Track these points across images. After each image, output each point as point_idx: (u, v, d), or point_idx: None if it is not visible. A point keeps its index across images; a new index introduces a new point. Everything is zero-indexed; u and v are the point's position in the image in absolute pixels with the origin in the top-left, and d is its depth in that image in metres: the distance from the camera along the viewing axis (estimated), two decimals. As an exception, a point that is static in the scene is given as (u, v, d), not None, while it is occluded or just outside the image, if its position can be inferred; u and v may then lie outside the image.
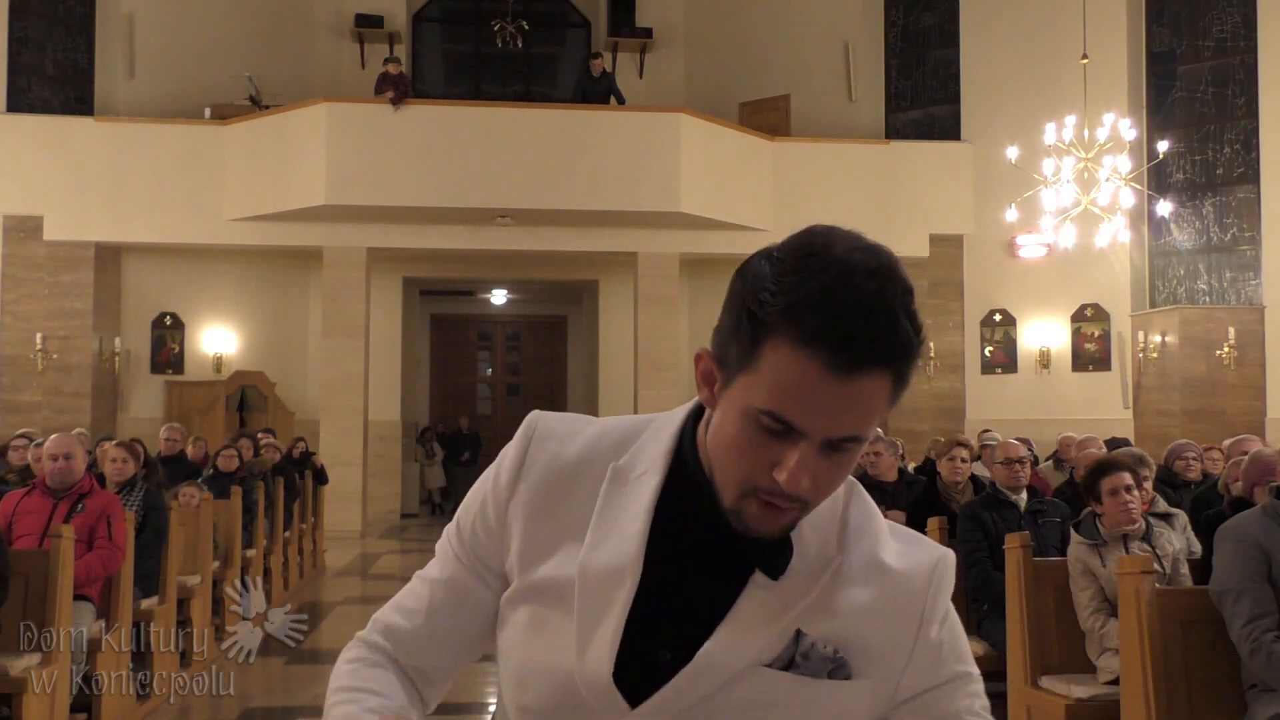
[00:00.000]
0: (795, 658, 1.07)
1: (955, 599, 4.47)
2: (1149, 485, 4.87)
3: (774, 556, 1.08)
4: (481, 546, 1.17)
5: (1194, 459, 6.77)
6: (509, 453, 1.17)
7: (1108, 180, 11.65)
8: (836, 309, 0.97)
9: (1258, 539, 3.41)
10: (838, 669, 1.08)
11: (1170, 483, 6.47)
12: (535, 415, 1.19)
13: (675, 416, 1.15)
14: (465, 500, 1.20)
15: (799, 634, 1.07)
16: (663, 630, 1.07)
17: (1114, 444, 7.71)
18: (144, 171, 13.43)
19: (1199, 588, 3.71)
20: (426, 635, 1.20)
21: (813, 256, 0.99)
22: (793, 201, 14.10)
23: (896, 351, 0.99)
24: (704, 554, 1.09)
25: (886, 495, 6.34)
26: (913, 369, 1.03)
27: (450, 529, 1.22)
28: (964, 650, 1.16)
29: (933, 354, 14.78)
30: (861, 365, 0.97)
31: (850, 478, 1.12)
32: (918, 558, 1.14)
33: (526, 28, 15.24)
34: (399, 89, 13.22)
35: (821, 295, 0.97)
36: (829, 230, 1.03)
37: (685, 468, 1.11)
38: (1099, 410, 13.46)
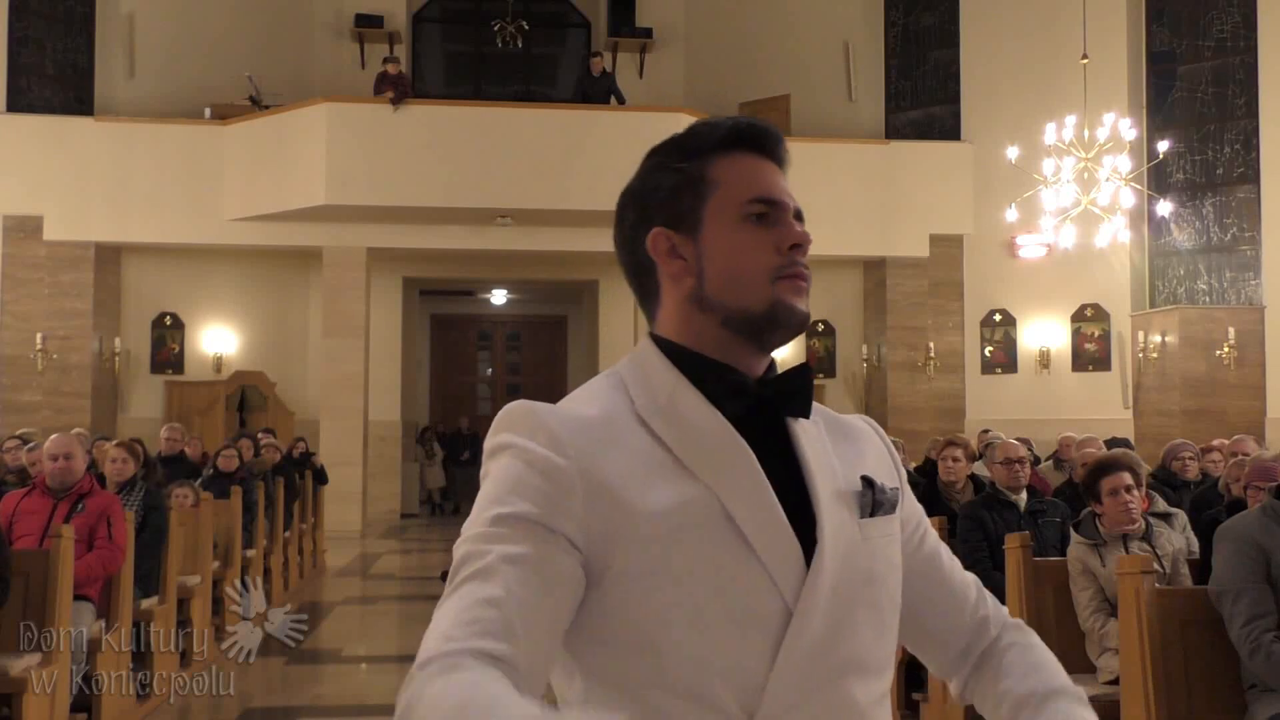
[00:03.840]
0: (876, 498, 1.17)
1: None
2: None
3: (800, 403, 1.18)
4: (552, 511, 1.04)
5: (1190, 459, 6.77)
6: (523, 429, 1.09)
7: (1108, 180, 11.65)
8: (739, 121, 1.25)
9: (1257, 539, 3.41)
10: (895, 503, 1.21)
11: (1169, 482, 6.48)
12: (509, 407, 1.13)
13: (634, 355, 1.20)
14: (492, 497, 1.06)
15: (865, 479, 1.18)
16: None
17: (1113, 444, 7.71)
18: (144, 171, 13.44)
19: (1199, 588, 3.71)
20: (527, 614, 0.98)
21: (690, 126, 1.25)
22: (793, 201, 14.08)
23: (785, 153, 1.27)
24: (748, 422, 1.15)
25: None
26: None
27: (481, 531, 1.04)
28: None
29: (933, 354, 14.79)
30: (777, 152, 1.26)
31: None
32: (849, 416, 1.30)
33: (526, 28, 15.24)
34: (399, 89, 13.22)
35: (720, 121, 1.24)
36: None
37: (688, 367, 1.17)
38: (1099, 410, 13.46)
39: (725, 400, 1.14)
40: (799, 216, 1.22)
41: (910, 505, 1.28)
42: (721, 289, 1.16)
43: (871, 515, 1.16)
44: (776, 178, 1.23)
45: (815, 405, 1.21)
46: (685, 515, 1.07)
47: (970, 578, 1.31)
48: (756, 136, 1.23)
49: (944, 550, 1.31)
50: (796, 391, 1.17)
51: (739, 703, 1.05)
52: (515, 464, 1.07)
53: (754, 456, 1.11)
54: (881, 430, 1.31)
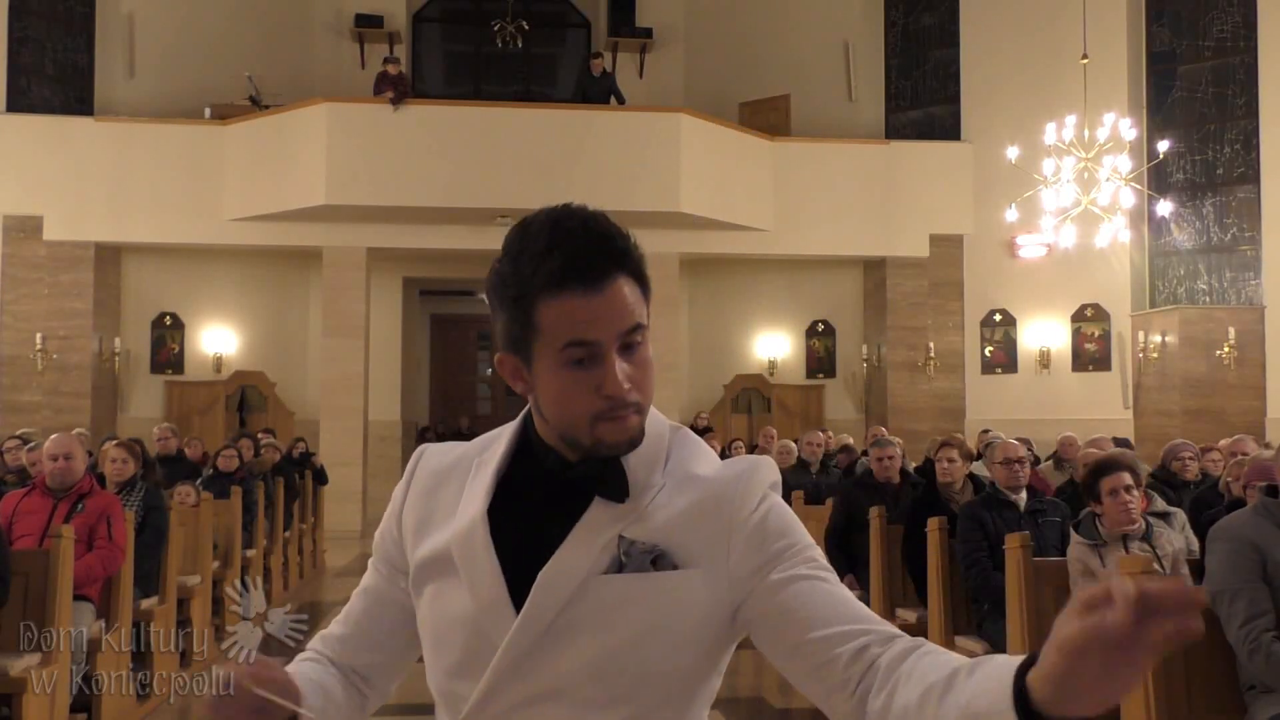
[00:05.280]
0: (621, 558, 1.24)
1: (955, 598, 4.42)
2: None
3: (613, 487, 1.26)
4: (391, 554, 1.40)
5: (1190, 459, 6.76)
6: (407, 470, 1.42)
7: (1108, 180, 11.65)
8: (563, 250, 1.20)
9: (1251, 538, 3.40)
10: (660, 559, 1.24)
11: (1169, 482, 6.47)
12: (422, 446, 1.44)
13: (521, 416, 1.37)
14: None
15: (620, 538, 1.25)
16: (539, 570, 1.26)
17: (1114, 444, 7.71)
18: (144, 171, 13.44)
19: (1198, 588, 3.70)
20: (356, 636, 1.43)
21: (525, 231, 1.23)
22: (793, 201, 14.10)
23: (620, 256, 1.23)
24: (557, 503, 1.28)
25: (888, 496, 6.34)
26: (643, 267, 1.26)
27: (372, 559, 1.45)
28: (790, 528, 1.28)
29: (933, 354, 14.79)
30: (603, 277, 1.21)
31: (677, 424, 1.36)
32: (732, 466, 1.32)
33: (526, 28, 15.23)
34: (399, 89, 13.22)
35: (546, 248, 1.20)
36: (533, 214, 1.26)
37: (531, 445, 1.32)
38: (1099, 410, 13.46)
39: (536, 479, 1.30)
40: (637, 330, 1.23)
41: (761, 554, 1.24)
42: (553, 419, 1.27)
43: (620, 571, 1.24)
44: (600, 312, 1.21)
45: (691, 472, 1.30)
46: (435, 561, 1.32)
47: (865, 617, 1.21)
48: (578, 273, 1.20)
49: (827, 590, 1.23)
50: (603, 478, 1.26)
51: (457, 714, 1.29)
52: (391, 500, 1.43)
53: (483, 526, 1.28)
54: (760, 501, 1.27)
